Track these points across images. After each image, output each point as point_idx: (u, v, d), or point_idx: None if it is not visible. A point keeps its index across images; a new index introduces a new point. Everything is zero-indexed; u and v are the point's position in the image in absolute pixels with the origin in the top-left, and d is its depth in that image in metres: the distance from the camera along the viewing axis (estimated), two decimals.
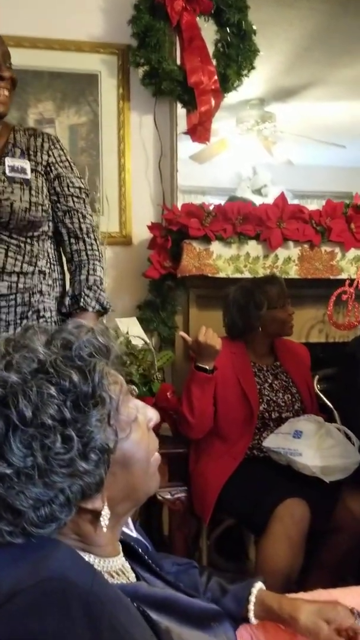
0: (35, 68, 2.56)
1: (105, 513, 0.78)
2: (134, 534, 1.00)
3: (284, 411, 2.16)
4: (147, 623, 0.76)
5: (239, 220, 2.51)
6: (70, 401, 0.73)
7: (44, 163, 1.69)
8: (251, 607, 1.07)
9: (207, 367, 1.96)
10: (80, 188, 1.75)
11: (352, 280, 2.67)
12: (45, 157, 1.69)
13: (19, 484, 0.70)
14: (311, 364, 2.39)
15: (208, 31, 2.59)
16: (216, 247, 2.51)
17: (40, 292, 1.67)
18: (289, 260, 2.64)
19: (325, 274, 2.68)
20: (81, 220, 1.73)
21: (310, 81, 3.88)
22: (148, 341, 2.19)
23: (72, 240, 1.73)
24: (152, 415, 0.86)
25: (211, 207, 2.50)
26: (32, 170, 1.66)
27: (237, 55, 2.53)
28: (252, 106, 4.13)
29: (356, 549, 1.94)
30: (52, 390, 0.71)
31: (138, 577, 0.89)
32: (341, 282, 2.68)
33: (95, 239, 1.76)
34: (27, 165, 1.64)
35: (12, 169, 1.62)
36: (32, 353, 0.74)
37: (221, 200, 2.90)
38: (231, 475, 2.01)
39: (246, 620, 1.08)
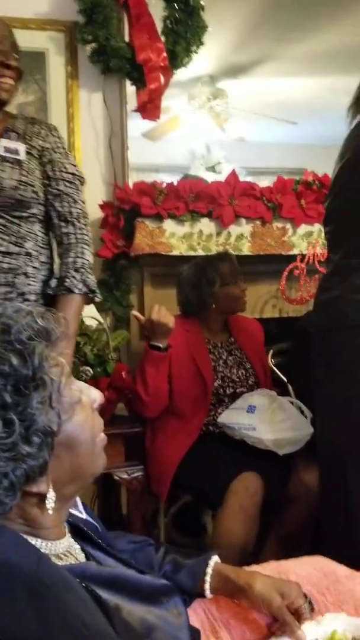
0: None
1: (51, 496, 0.79)
2: (84, 515, 1.00)
3: (238, 386, 2.19)
4: (96, 602, 0.77)
5: (191, 198, 2.51)
6: (10, 385, 0.73)
7: (39, 147, 1.72)
8: (207, 579, 1.08)
9: (161, 345, 1.98)
10: (73, 174, 1.76)
11: (303, 256, 2.72)
12: (40, 142, 1.72)
13: None
14: (265, 339, 2.43)
15: (156, 8, 2.55)
16: (169, 225, 2.52)
17: (26, 274, 1.67)
18: (241, 237, 2.66)
19: (277, 250, 2.72)
20: (72, 204, 1.74)
21: (260, 57, 3.87)
22: (102, 321, 2.19)
23: (62, 224, 1.73)
24: (95, 396, 0.87)
25: (163, 185, 2.49)
26: (26, 153, 1.69)
27: (185, 32, 2.51)
28: (203, 83, 4.10)
29: (310, 519, 1.99)
30: None
31: (88, 558, 0.90)
32: (293, 258, 2.73)
33: (85, 225, 1.77)
34: (21, 147, 1.67)
35: (7, 149, 1.64)
36: None
37: (175, 178, 2.89)
38: (187, 452, 2.04)
39: (201, 595, 1.10)
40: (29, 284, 1.69)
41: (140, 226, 2.46)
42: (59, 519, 0.85)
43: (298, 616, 1.03)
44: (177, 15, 2.50)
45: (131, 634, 0.81)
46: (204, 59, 3.50)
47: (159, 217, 2.48)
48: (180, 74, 2.73)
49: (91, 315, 2.16)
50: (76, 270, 1.71)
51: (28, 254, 1.68)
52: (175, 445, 2.05)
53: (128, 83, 2.57)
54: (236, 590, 1.07)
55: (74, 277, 1.70)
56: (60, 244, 1.75)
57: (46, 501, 0.79)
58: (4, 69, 1.61)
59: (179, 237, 2.54)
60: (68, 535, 0.89)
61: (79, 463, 0.82)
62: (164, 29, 2.53)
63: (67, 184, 1.74)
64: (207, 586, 1.08)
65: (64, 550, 0.85)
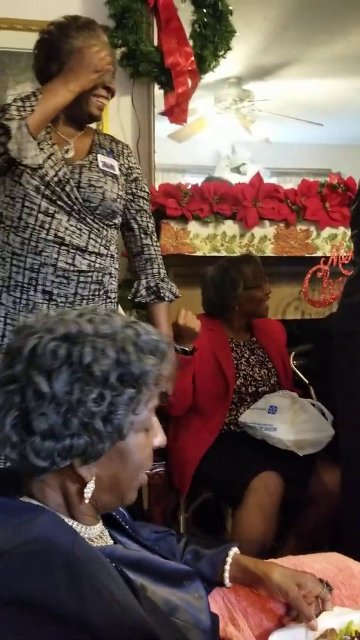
0: (13, 50, 2.56)
1: (91, 486, 0.86)
2: None
3: (260, 385, 2.22)
4: (125, 581, 0.82)
5: (216, 200, 2.55)
6: (119, 372, 0.83)
7: (126, 166, 1.86)
8: (227, 567, 1.13)
9: (187, 349, 2.01)
10: (148, 193, 1.94)
11: (327, 258, 2.73)
12: (126, 161, 1.87)
13: (47, 406, 0.80)
14: (287, 340, 2.45)
15: (185, 12, 2.59)
16: (193, 226, 2.56)
17: (110, 274, 1.82)
18: (264, 239, 2.69)
19: (301, 252, 2.74)
20: (149, 220, 1.92)
21: (287, 59, 3.88)
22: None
23: (143, 236, 1.90)
24: (161, 440, 0.95)
25: (188, 187, 2.53)
26: (118, 169, 1.83)
27: (213, 36, 2.54)
28: (230, 85, 4.12)
29: (330, 520, 2.01)
30: (112, 355, 0.83)
31: (115, 542, 0.95)
32: (316, 260, 2.74)
33: (157, 240, 1.98)
34: (115, 163, 1.82)
35: (104, 164, 1.78)
36: (109, 324, 0.86)
37: (200, 179, 2.93)
38: (208, 449, 2.08)
39: (220, 584, 1.14)
40: (112, 283, 1.84)
41: (165, 227, 2.51)
42: (94, 512, 0.91)
43: (322, 603, 1.08)
44: (205, 20, 2.54)
45: (156, 612, 0.86)
46: (232, 60, 3.53)
47: (183, 219, 2.52)
48: (207, 76, 2.76)
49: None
50: (162, 280, 1.92)
51: (112, 257, 1.82)
52: (197, 443, 2.09)
53: (156, 87, 2.62)
54: (254, 580, 1.12)
55: (162, 287, 1.91)
56: (140, 254, 1.92)
57: (85, 489, 0.86)
58: (105, 90, 1.73)
59: (203, 238, 2.58)
60: (101, 522, 0.94)
61: (120, 477, 0.89)
62: (192, 33, 2.57)
63: (145, 201, 1.91)
64: (226, 574, 1.13)
65: (97, 534, 0.91)
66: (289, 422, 2.03)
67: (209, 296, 2.27)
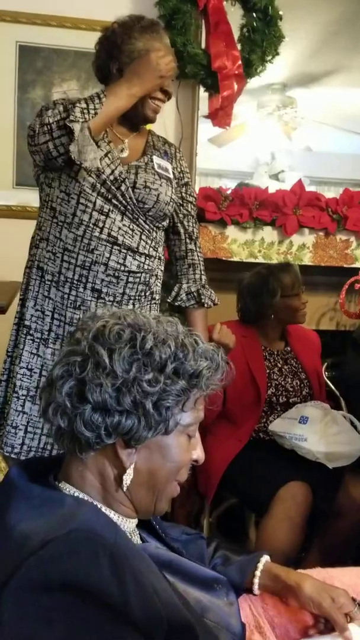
0: (61, 47, 2.59)
1: (129, 473, 0.87)
2: None
3: (292, 396, 2.20)
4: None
5: (256, 205, 2.53)
6: (175, 364, 0.87)
7: (179, 169, 1.87)
8: (257, 573, 1.12)
9: None
10: (195, 198, 1.94)
11: None
12: (179, 164, 1.87)
13: (105, 378, 0.84)
14: (321, 351, 2.42)
15: (234, 15, 2.58)
16: (231, 231, 2.55)
17: (157, 276, 1.82)
18: (303, 247, 2.66)
19: (339, 262, 2.72)
20: (195, 225, 1.92)
21: (334, 67, 3.84)
22: None
23: (188, 241, 1.91)
24: (200, 454, 0.97)
25: (228, 192, 2.52)
26: (172, 172, 1.84)
27: (262, 41, 2.53)
28: (273, 91, 4.10)
29: (357, 534, 1.98)
30: (172, 346, 0.87)
31: (143, 541, 0.95)
32: (355, 271, 2.71)
33: (200, 246, 1.97)
34: (169, 166, 1.82)
35: (159, 166, 1.78)
36: (174, 327, 0.92)
37: (235, 184, 2.92)
38: (236, 456, 2.06)
39: (249, 591, 1.13)
40: (157, 285, 1.84)
41: (203, 231, 2.50)
42: (130, 504, 0.91)
43: (350, 621, 1.05)
44: (254, 24, 2.53)
45: (189, 609, 0.86)
46: (277, 66, 3.51)
47: (222, 223, 2.51)
48: (251, 82, 2.75)
49: None
50: (203, 287, 1.92)
51: (159, 258, 1.83)
52: (226, 449, 2.07)
53: (201, 89, 2.62)
54: (285, 589, 1.10)
55: (203, 293, 1.91)
56: (184, 258, 1.92)
57: (124, 475, 0.87)
58: (163, 94, 1.73)
59: (241, 244, 2.57)
60: (136, 519, 0.95)
61: (157, 474, 0.90)
62: (241, 37, 2.56)
63: (193, 206, 1.91)
64: (256, 581, 1.12)
65: (132, 529, 0.90)
66: (320, 433, 2.00)
67: (245, 303, 2.25)
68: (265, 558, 1.15)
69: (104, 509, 0.88)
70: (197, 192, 2.54)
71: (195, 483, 2.13)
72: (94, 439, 0.84)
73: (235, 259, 2.57)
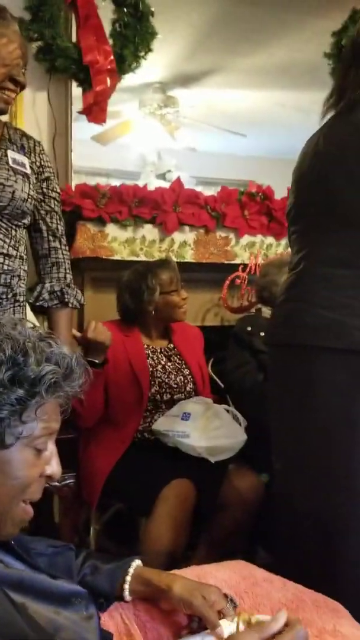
0: None
1: None
2: None
3: (176, 393, 2.18)
4: (6, 599, 0.76)
5: (135, 202, 2.50)
6: (12, 371, 0.81)
7: (38, 164, 1.79)
8: (127, 579, 1.09)
9: (96, 361, 1.94)
10: (59, 193, 1.87)
11: (245, 266, 2.75)
12: (38, 159, 1.79)
13: None
14: (206, 347, 2.43)
15: (105, 10, 2.54)
16: (111, 229, 2.50)
17: (19, 276, 1.74)
18: (184, 245, 2.67)
19: (220, 259, 2.75)
20: (59, 222, 1.85)
21: (211, 68, 3.91)
22: (38, 324, 2.14)
23: (51, 238, 1.83)
24: (55, 469, 0.90)
25: (106, 189, 2.47)
26: (29, 167, 1.75)
27: (134, 37, 2.50)
28: (154, 90, 4.11)
29: (243, 525, 2.01)
30: (7, 351, 0.81)
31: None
32: (235, 267, 2.75)
33: (66, 244, 1.89)
34: (26, 161, 1.74)
35: (14, 161, 1.70)
36: (22, 330, 0.86)
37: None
38: (120, 459, 2.01)
39: (120, 598, 1.10)
40: (20, 286, 1.76)
41: (81, 229, 2.44)
42: None
43: (222, 616, 1.04)
44: (126, 19, 2.49)
45: (38, 631, 0.81)
46: (155, 65, 3.51)
47: (101, 221, 2.46)
48: (130, 80, 2.72)
49: (27, 319, 2.11)
50: (68, 286, 1.85)
51: (21, 258, 1.75)
52: (108, 453, 2.02)
53: (75, 85, 2.55)
54: (156, 592, 1.08)
55: (67, 292, 1.84)
56: (47, 257, 1.85)
57: None
58: (12, 83, 1.64)
59: (121, 242, 2.53)
60: None
61: None
62: (113, 32, 2.52)
63: (56, 202, 1.84)
64: (126, 586, 1.09)
65: None
66: (202, 428, 2.01)
67: (124, 302, 2.21)
68: (136, 563, 1.12)
69: None
70: (73, 189, 2.48)
71: (79, 491, 2.06)
72: None
73: (117, 257, 2.53)
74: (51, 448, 0.90)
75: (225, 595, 1.08)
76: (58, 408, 0.90)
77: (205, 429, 1.99)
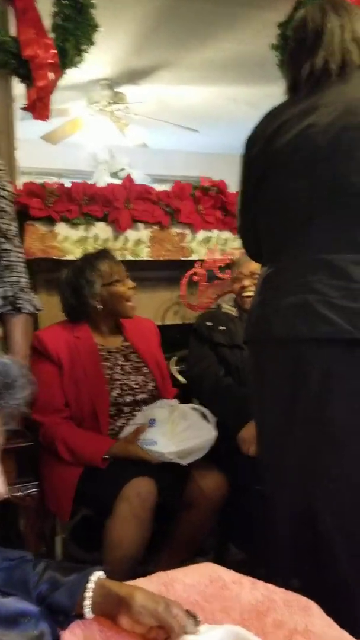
0: None
1: None
2: None
3: (138, 393, 2.10)
4: None
5: (85, 200, 2.43)
6: None
7: None
8: (87, 595, 1.02)
9: None
10: (11, 192, 1.79)
11: (202, 262, 2.70)
12: None
13: None
14: (169, 345, 2.36)
15: (45, 3, 2.46)
16: (62, 228, 2.43)
17: None
18: (139, 242, 2.61)
19: (177, 256, 2.70)
20: (10, 222, 1.79)
21: (158, 63, 3.86)
22: None
23: (2, 240, 1.76)
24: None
25: (55, 187, 2.39)
26: None
27: (75, 29, 2.43)
28: (102, 86, 4.05)
29: (208, 524, 1.98)
30: None
31: None
32: (193, 264, 2.70)
33: (20, 244, 1.81)
34: None
35: None
36: None
37: None
38: (85, 467, 1.93)
39: (81, 615, 1.03)
40: None
41: (29, 229, 2.35)
42: None
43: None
44: (66, 12, 2.42)
45: None
46: (102, 61, 3.45)
47: (50, 220, 2.38)
48: (77, 76, 2.65)
49: None
50: (21, 290, 1.78)
51: None
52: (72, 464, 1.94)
53: (18, 81, 2.47)
54: (118, 603, 1.01)
55: (21, 297, 1.77)
56: None
57: None
58: None
59: (73, 241, 2.46)
60: None
61: None
62: (54, 25, 2.45)
63: (7, 202, 1.76)
64: (86, 603, 1.01)
65: None
66: (169, 433, 1.92)
67: (67, 300, 2.11)
68: (97, 575, 1.05)
69: None
70: (21, 188, 2.39)
71: (44, 501, 1.98)
72: None
73: (69, 257, 2.45)
74: None
75: (188, 612, 1.03)
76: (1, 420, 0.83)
77: (172, 433, 1.91)
